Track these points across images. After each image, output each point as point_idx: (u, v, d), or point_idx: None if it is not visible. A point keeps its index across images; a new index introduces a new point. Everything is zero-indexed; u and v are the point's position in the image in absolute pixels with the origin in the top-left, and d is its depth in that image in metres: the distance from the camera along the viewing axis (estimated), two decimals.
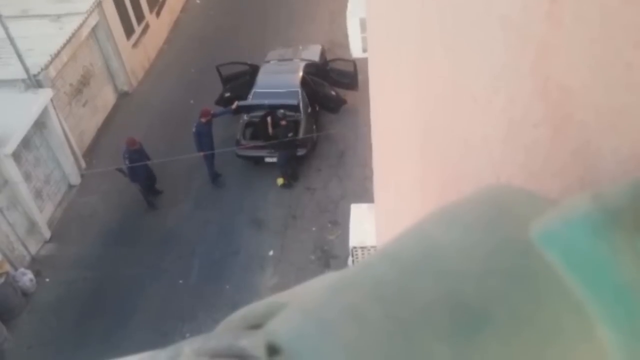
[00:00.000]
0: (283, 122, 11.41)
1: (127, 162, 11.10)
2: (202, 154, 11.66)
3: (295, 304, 0.33)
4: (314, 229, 11.20)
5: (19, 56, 11.29)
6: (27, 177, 11.40)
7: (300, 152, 11.91)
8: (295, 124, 11.84)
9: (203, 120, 11.47)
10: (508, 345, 0.29)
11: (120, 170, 11.32)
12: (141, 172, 11.29)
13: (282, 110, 11.54)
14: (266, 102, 11.97)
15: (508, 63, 0.46)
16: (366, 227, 8.05)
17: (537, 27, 0.41)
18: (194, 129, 11.57)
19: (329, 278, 0.35)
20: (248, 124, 12.21)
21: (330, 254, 10.74)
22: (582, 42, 0.38)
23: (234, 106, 12.16)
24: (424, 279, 0.31)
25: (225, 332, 0.34)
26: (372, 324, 0.30)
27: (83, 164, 12.92)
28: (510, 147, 0.49)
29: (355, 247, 8.75)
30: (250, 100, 12.25)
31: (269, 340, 0.31)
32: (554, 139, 0.43)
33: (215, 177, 12.13)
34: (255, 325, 0.33)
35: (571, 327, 0.30)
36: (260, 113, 11.99)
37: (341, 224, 10.55)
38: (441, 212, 0.36)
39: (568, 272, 0.30)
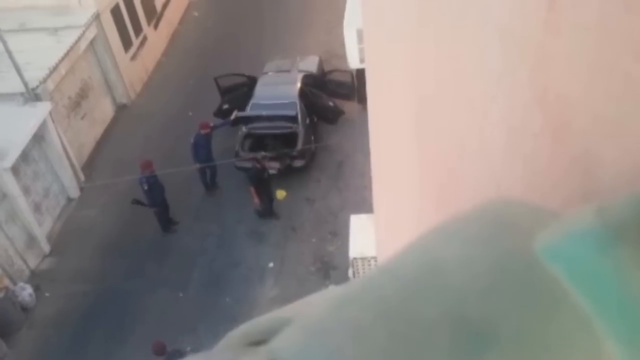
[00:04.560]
0: None
1: (145, 187, 10.74)
2: (198, 166, 11.65)
3: (298, 322, 0.32)
4: (313, 240, 11.17)
5: (17, 70, 11.31)
6: (26, 190, 11.38)
7: (299, 163, 11.93)
8: (292, 136, 11.87)
9: (202, 132, 11.48)
10: None
11: (137, 202, 10.93)
12: (159, 194, 11.05)
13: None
14: (264, 113, 11.99)
15: (506, 71, 0.46)
16: (366, 237, 8.03)
17: (535, 35, 0.41)
18: (192, 140, 11.58)
19: (331, 293, 0.35)
20: (247, 136, 12.22)
21: (330, 265, 10.71)
22: (580, 51, 0.37)
23: (232, 117, 12.18)
24: (426, 295, 0.31)
25: (227, 349, 0.34)
26: (376, 343, 0.29)
27: (82, 177, 12.91)
28: (510, 156, 0.49)
29: (355, 258, 8.73)
30: (249, 112, 12.27)
31: (271, 359, 0.30)
32: (554, 148, 0.42)
33: (209, 187, 12.10)
34: (258, 342, 0.33)
35: (579, 343, 0.29)
36: (259, 124, 12.01)
37: (341, 235, 10.53)
38: (442, 227, 0.35)
39: (573, 287, 0.29)
